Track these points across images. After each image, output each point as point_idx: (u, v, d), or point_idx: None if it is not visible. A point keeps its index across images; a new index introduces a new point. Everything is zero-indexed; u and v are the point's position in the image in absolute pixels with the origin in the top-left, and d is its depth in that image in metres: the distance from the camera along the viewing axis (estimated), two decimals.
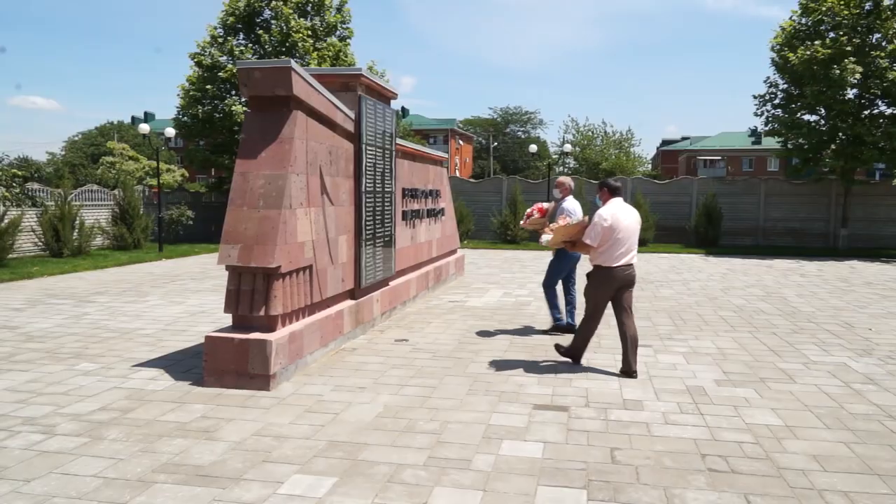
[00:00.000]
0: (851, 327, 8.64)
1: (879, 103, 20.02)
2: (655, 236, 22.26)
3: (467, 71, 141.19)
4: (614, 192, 6.35)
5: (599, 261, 6.24)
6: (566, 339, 7.19)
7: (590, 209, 6.98)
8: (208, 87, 22.45)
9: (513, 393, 5.62)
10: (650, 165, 61.85)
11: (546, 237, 6.50)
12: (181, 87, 22.84)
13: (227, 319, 6.27)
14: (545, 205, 7.82)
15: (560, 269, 7.98)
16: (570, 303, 8.19)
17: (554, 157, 48.95)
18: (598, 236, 6.12)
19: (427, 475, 3.99)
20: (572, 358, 6.62)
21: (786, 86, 20.87)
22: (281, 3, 22.43)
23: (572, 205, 7.74)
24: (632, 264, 6.27)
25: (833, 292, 11.91)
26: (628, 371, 6.17)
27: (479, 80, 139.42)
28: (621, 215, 6.20)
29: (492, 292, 11.44)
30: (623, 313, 6.30)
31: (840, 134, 19.84)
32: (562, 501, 3.68)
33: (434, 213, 11.49)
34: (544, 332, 8.08)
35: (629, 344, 6.20)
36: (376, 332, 8.05)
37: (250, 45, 23.08)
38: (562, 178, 8.02)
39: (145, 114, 68.74)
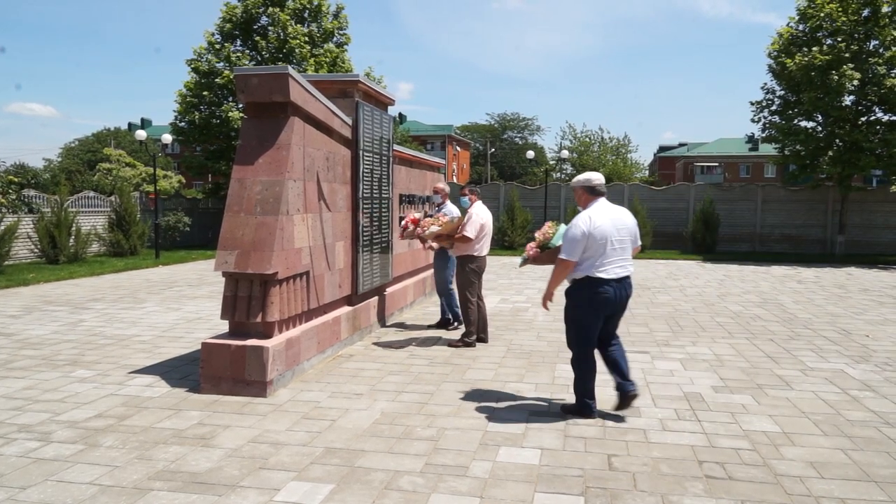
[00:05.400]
0: (848, 334, 8.65)
1: (877, 110, 20.07)
2: (652, 242, 22.29)
3: (465, 77, 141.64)
4: (479, 197, 7.93)
5: (474, 252, 7.57)
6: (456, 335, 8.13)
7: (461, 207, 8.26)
8: (205, 93, 22.49)
9: (510, 399, 5.62)
10: (647, 171, 61.96)
11: (435, 228, 7.52)
12: (178, 93, 22.87)
13: (224, 326, 6.26)
14: (417, 215, 8.12)
15: (450, 269, 8.47)
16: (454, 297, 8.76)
17: (551, 163, 49.00)
18: (475, 230, 7.48)
19: (424, 482, 3.98)
20: (470, 345, 7.62)
21: (783, 92, 20.91)
22: (278, 9, 22.49)
23: (450, 208, 8.38)
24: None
25: (830, 299, 11.92)
26: (484, 338, 7.79)
27: (477, 87, 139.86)
28: (486, 215, 7.67)
29: (489, 298, 11.42)
30: (481, 297, 7.80)
31: (837, 140, 19.88)
32: None
33: None
34: (452, 327, 8.56)
35: (485, 319, 7.84)
36: (373, 338, 8.03)
37: (247, 51, 23.13)
38: (439, 185, 8.72)
39: (142, 120, 68.74)
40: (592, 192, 5.00)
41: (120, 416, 5.12)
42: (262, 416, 5.14)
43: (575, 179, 5.13)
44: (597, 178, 5.04)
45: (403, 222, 8.06)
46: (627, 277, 4.94)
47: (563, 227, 5.23)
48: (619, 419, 5.13)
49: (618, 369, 5.10)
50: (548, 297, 5.08)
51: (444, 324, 8.70)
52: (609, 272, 4.82)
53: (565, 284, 5.09)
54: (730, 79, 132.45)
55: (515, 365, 6.80)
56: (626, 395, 5.09)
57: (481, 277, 7.80)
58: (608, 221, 4.85)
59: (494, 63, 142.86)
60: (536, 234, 5.47)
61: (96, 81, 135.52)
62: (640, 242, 5.18)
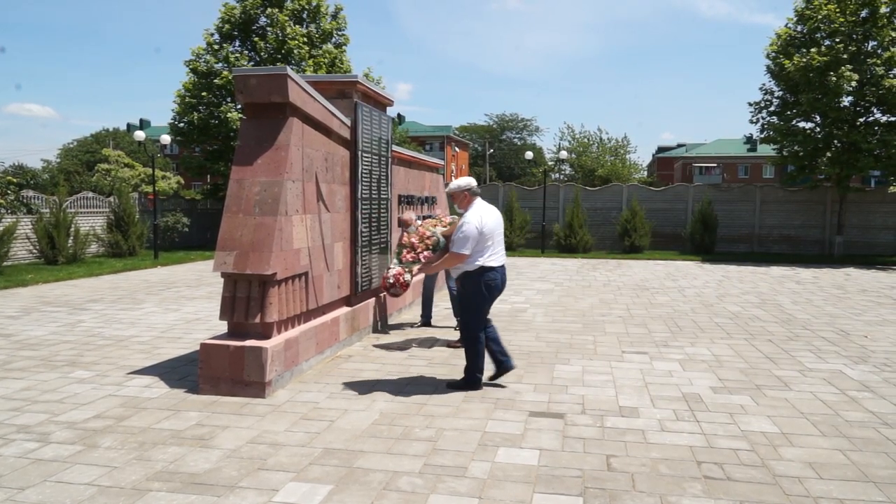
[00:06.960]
0: (847, 335, 8.65)
1: (875, 111, 20.07)
2: (651, 243, 22.31)
3: (464, 77, 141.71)
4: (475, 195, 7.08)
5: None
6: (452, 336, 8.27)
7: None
8: (204, 93, 22.47)
9: (508, 400, 5.62)
10: (646, 172, 61.95)
11: (441, 229, 6.69)
12: (177, 93, 22.86)
13: (223, 327, 6.25)
14: (397, 272, 7.17)
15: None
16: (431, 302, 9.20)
17: (550, 163, 49.03)
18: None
19: (423, 482, 3.98)
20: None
21: (781, 93, 20.92)
22: (277, 10, 22.48)
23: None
24: None
25: (828, 299, 11.93)
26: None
27: (476, 87, 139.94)
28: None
29: None
30: None
31: (836, 141, 19.90)
32: None
33: None
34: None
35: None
36: (372, 338, 8.03)
37: (246, 52, 23.14)
38: (408, 215, 8.16)
39: (141, 121, 68.61)
40: (472, 194, 5.88)
41: (118, 417, 5.12)
42: (261, 417, 5.14)
43: (456, 184, 5.92)
44: (474, 182, 5.96)
45: (392, 275, 7.09)
46: (504, 265, 5.87)
47: (437, 229, 6.45)
48: (617, 419, 5.14)
49: (498, 346, 6.06)
50: (430, 270, 6.39)
51: (426, 322, 8.98)
52: (496, 261, 5.73)
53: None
54: (728, 79, 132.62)
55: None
56: (505, 368, 6.05)
57: None
58: (492, 219, 5.73)
59: (494, 63, 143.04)
60: (413, 239, 6.46)
61: (95, 82, 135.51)
62: None
